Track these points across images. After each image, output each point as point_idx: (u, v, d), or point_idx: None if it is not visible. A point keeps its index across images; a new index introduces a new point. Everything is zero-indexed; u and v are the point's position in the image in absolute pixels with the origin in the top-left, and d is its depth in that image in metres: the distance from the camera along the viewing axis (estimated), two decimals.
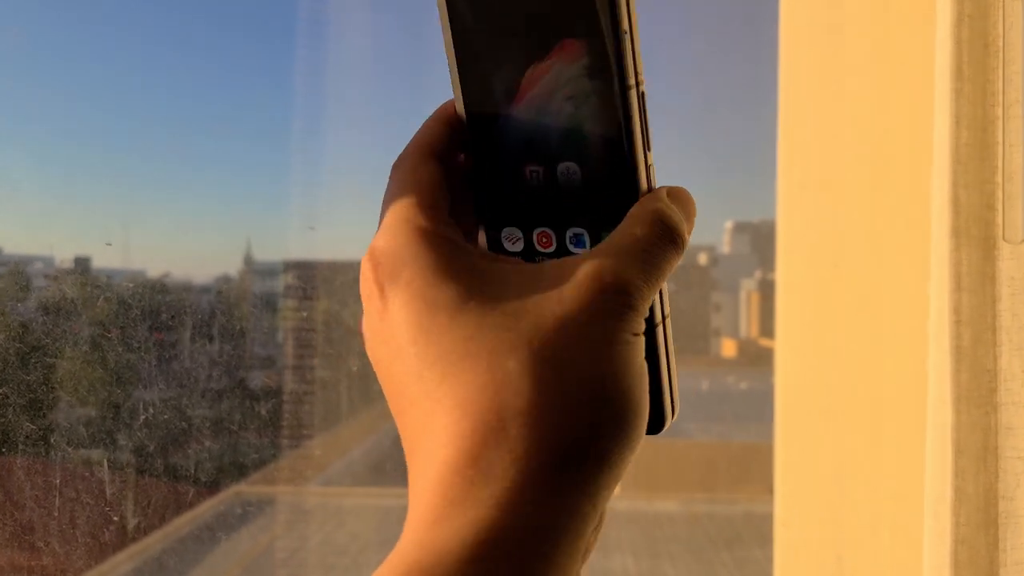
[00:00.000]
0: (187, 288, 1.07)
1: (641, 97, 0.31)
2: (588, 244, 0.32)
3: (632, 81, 0.31)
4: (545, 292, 0.28)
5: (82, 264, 0.97)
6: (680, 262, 0.31)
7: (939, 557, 0.65)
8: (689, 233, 0.32)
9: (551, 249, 0.33)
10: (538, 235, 0.33)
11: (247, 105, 1.20)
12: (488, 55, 0.32)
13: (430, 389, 0.27)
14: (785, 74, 0.95)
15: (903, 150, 0.84)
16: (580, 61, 0.31)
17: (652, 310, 0.32)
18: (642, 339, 0.29)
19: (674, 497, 1.85)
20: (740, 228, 2.45)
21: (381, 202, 0.32)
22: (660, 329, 0.33)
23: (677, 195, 0.32)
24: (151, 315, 0.88)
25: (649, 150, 0.32)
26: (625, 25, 0.30)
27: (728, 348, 2.31)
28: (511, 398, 0.25)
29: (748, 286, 2.35)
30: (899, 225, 0.84)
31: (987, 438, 0.64)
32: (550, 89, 0.31)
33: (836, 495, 0.93)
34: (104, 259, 0.99)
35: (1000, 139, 0.64)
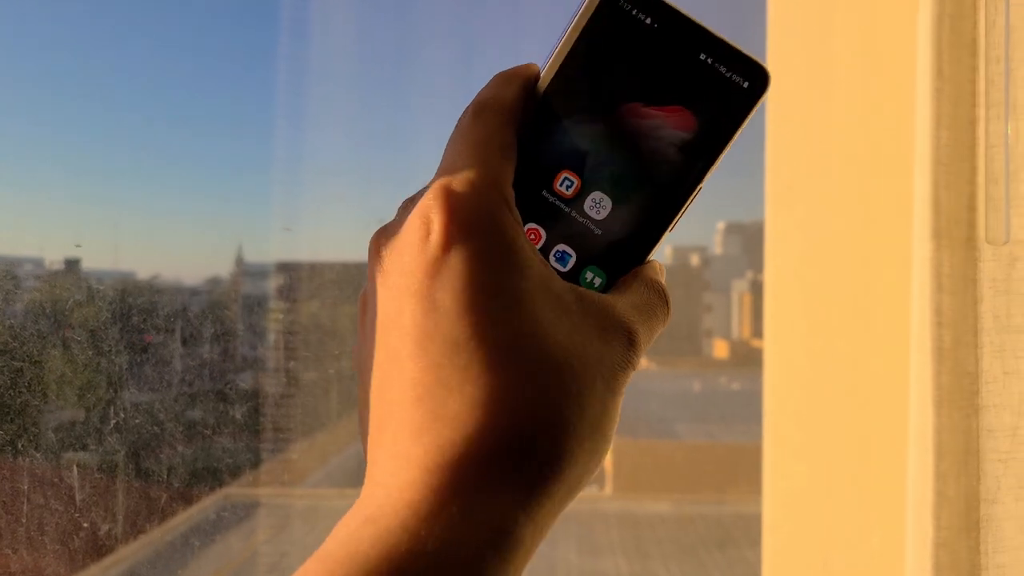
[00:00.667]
0: (177, 289, 1.06)
1: (698, 192, 0.33)
2: (571, 264, 0.33)
3: (704, 183, 0.33)
4: (593, 331, 0.29)
5: (72, 266, 0.96)
6: None
7: (921, 561, 0.65)
8: None
9: (538, 245, 0.34)
10: (528, 230, 0.34)
11: (234, 103, 1.20)
12: (602, 66, 0.33)
13: (461, 362, 0.26)
14: (772, 71, 0.95)
15: (888, 151, 0.83)
16: (680, 132, 0.32)
17: None
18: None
19: (666, 498, 1.85)
20: (732, 229, 2.45)
21: (457, 132, 0.31)
22: None
23: (661, 274, 0.34)
24: (139, 316, 0.87)
25: (671, 231, 0.34)
26: (732, 142, 0.32)
27: (720, 349, 2.31)
28: (547, 414, 0.26)
29: (740, 287, 2.35)
30: (884, 226, 0.84)
31: (968, 441, 0.64)
32: (636, 129, 0.33)
33: (823, 497, 0.92)
34: (93, 261, 0.99)
35: (982, 140, 0.64)
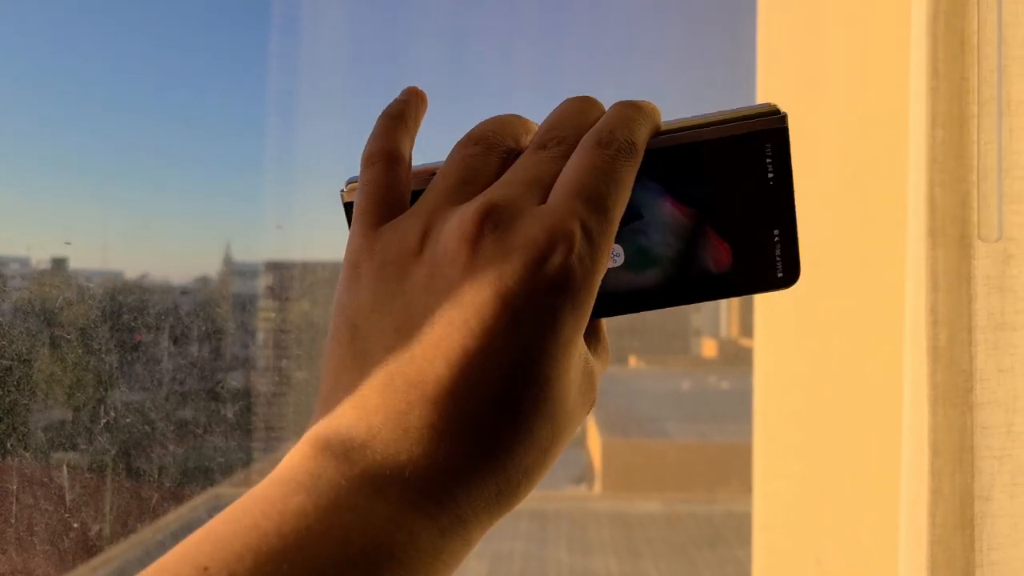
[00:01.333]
0: (166, 288, 1.06)
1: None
2: None
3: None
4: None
5: (59, 265, 0.96)
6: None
7: (915, 558, 0.65)
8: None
9: None
10: None
11: (225, 102, 1.19)
12: (709, 174, 0.34)
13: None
14: (763, 72, 0.95)
15: (882, 149, 0.83)
16: (717, 264, 0.34)
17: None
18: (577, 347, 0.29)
19: (656, 497, 1.85)
20: None
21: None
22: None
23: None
24: (128, 315, 0.86)
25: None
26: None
27: (709, 348, 2.32)
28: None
29: None
30: (878, 223, 0.84)
31: (963, 438, 0.64)
32: (688, 227, 0.34)
33: (815, 495, 0.92)
34: (81, 260, 0.98)
35: (976, 137, 0.64)
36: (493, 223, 0.28)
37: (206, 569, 0.22)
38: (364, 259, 0.29)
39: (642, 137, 0.32)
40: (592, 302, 0.29)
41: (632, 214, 0.33)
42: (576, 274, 0.27)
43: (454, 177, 0.31)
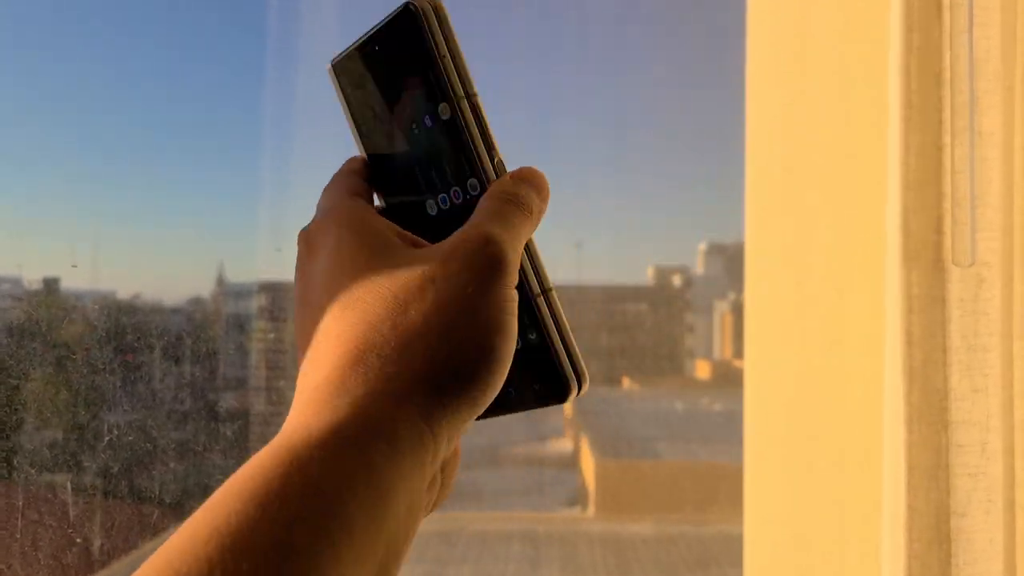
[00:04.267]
0: (158, 309, 1.07)
1: (475, 107, 0.38)
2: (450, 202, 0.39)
3: (461, 92, 0.38)
4: (419, 257, 0.35)
5: (51, 285, 0.97)
6: (533, 228, 0.37)
7: (895, 573, 0.66)
8: (541, 200, 0.38)
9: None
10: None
11: (216, 123, 1.21)
12: (371, 95, 0.40)
13: (328, 323, 0.34)
14: (752, 100, 0.98)
15: (863, 177, 0.86)
16: (420, 89, 0.38)
17: (528, 282, 0.37)
18: (512, 297, 0.34)
19: (648, 518, 1.86)
20: (714, 250, 2.47)
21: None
22: (542, 300, 0.38)
23: (519, 174, 0.38)
24: (118, 336, 0.87)
25: (494, 148, 0.38)
26: (443, 51, 0.38)
27: (702, 369, 2.33)
28: (372, 335, 0.33)
29: (722, 308, 2.37)
30: (859, 249, 0.86)
31: (939, 456, 0.66)
32: (397, 109, 0.39)
33: (802, 514, 0.94)
34: (72, 280, 0.99)
35: (949, 166, 0.66)
36: None
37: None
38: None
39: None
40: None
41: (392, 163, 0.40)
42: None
43: None
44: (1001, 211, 0.67)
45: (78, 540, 0.75)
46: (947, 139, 0.66)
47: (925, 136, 0.66)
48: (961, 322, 0.66)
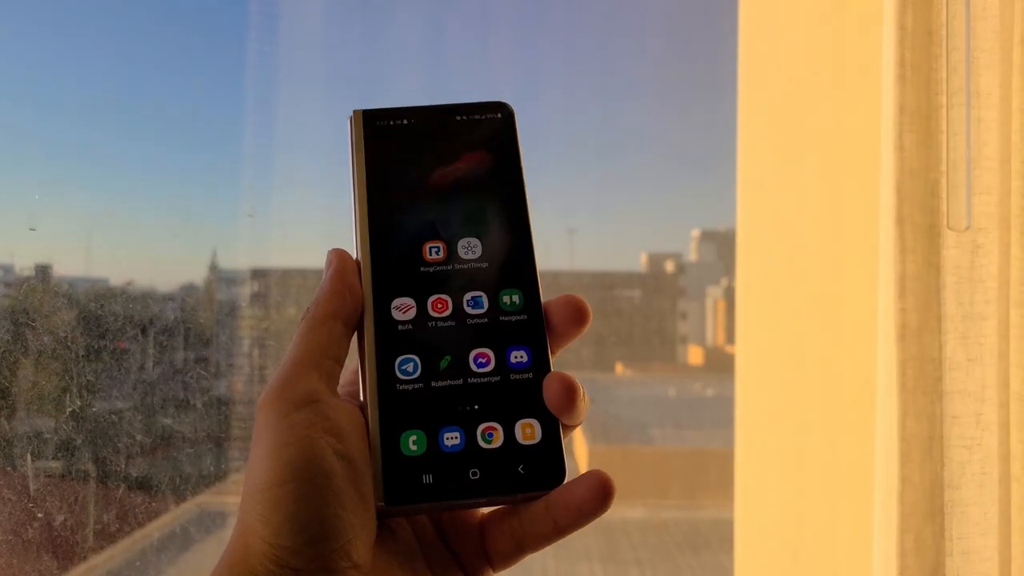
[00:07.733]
0: (151, 296, 1.05)
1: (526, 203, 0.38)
2: (487, 303, 0.37)
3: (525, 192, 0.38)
4: None
5: (43, 272, 0.95)
6: None
7: (887, 546, 0.65)
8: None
9: (447, 312, 0.37)
10: (433, 302, 0.37)
11: (203, 111, 1.20)
12: (399, 165, 0.38)
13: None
14: (744, 64, 0.96)
15: (857, 149, 0.84)
16: (480, 167, 0.38)
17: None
18: None
19: (640, 503, 1.85)
20: (707, 236, 2.46)
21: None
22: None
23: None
24: (113, 322, 0.86)
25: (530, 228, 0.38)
26: (519, 154, 0.38)
27: (695, 355, 2.32)
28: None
29: (714, 294, 2.36)
30: (853, 225, 0.84)
31: (933, 427, 0.64)
32: (453, 181, 0.38)
33: (793, 495, 0.92)
34: (65, 267, 0.97)
35: (944, 127, 0.64)
36: None
37: None
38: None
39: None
40: None
41: (432, 226, 0.38)
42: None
43: None
44: (999, 175, 0.65)
45: (84, 520, 0.74)
46: (943, 99, 0.64)
47: (920, 96, 0.64)
48: (956, 289, 0.64)
